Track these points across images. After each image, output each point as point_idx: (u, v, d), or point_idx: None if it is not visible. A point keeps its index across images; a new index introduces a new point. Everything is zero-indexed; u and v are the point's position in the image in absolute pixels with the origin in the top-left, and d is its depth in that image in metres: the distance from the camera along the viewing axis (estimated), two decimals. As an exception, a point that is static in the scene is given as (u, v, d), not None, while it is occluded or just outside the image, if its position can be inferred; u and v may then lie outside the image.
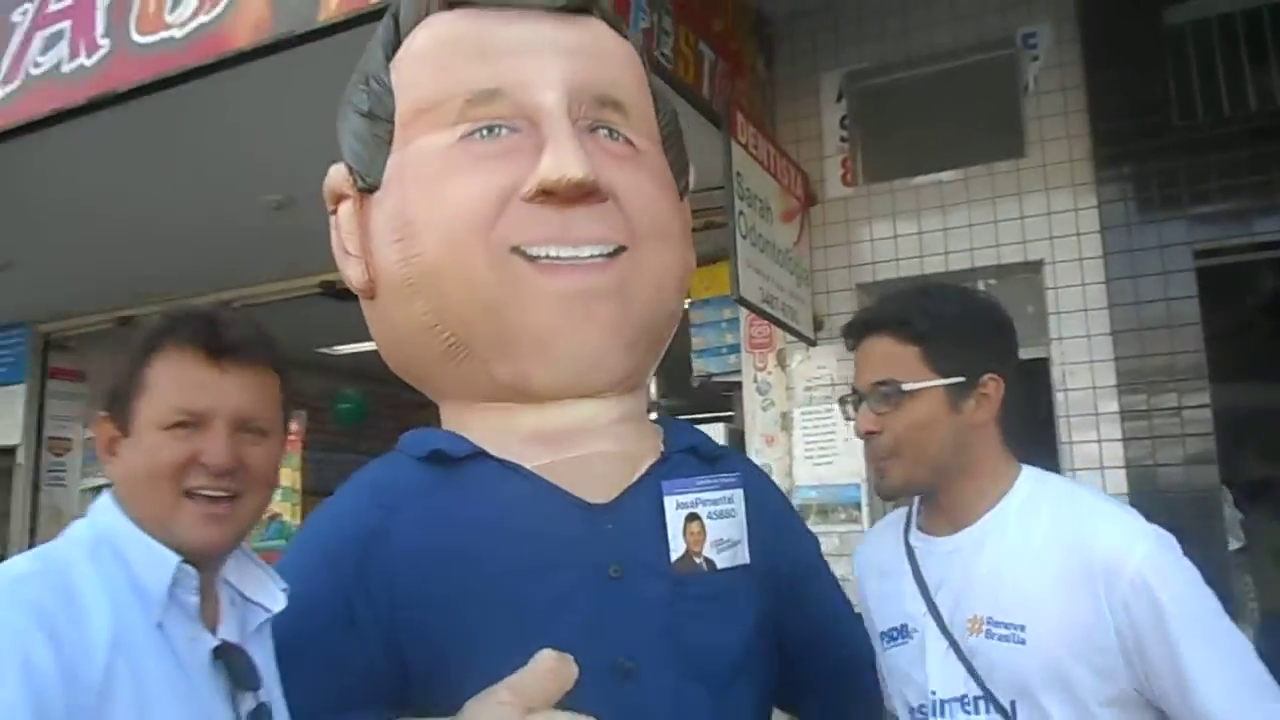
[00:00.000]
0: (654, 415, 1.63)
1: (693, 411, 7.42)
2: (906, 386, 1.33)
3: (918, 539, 1.38)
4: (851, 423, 1.40)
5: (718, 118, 3.67)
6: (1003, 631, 1.23)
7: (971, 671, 1.25)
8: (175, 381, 1.09)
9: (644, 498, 1.35)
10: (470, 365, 1.38)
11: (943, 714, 1.26)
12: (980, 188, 4.18)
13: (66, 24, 3.86)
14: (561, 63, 1.38)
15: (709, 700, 1.29)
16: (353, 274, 1.44)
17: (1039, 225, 4.05)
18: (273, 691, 1.15)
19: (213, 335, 1.12)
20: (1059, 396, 3.95)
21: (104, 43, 3.72)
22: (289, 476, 5.95)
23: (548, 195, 1.31)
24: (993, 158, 4.19)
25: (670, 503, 1.35)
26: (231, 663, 1.09)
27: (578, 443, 1.36)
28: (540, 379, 1.36)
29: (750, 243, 3.66)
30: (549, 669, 1.11)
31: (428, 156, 1.36)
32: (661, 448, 1.44)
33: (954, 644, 1.27)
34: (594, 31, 1.46)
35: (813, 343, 4.35)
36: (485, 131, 1.35)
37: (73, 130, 3.83)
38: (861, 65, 4.53)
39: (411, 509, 1.29)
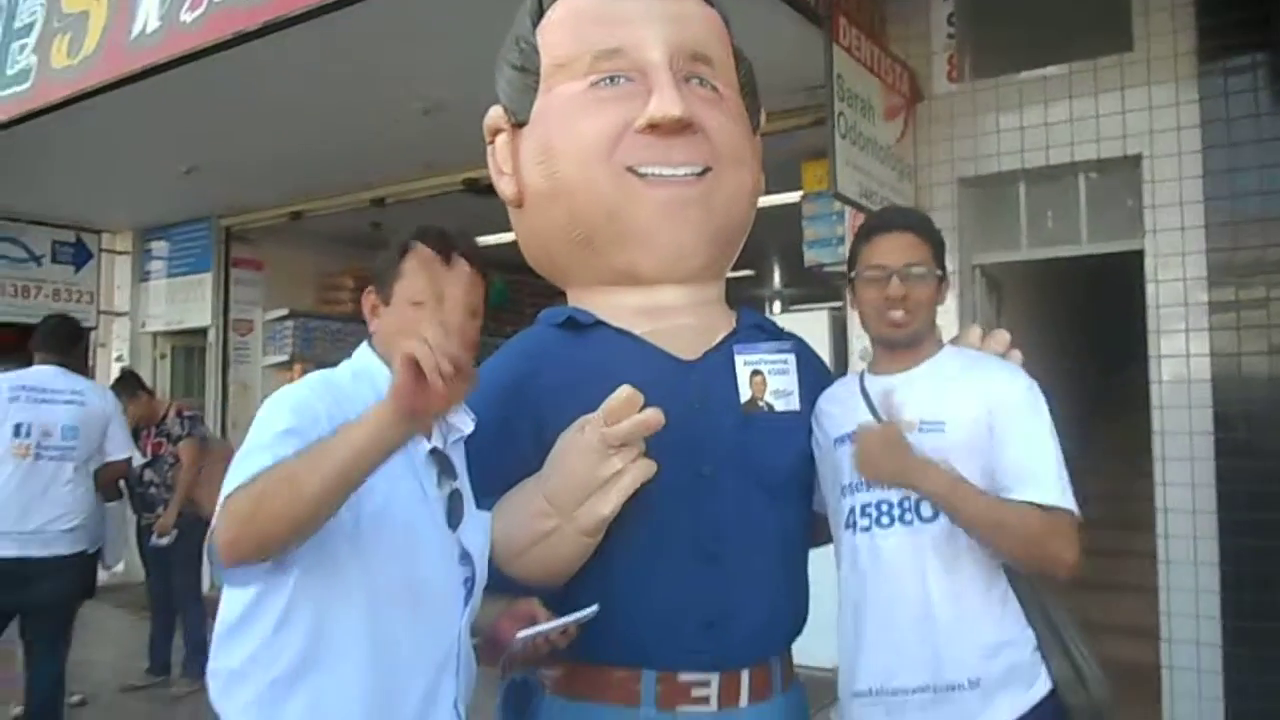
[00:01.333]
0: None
1: (808, 300, 7.70)
2: (934, 271, 1.78)
3: (870, 380, 1.83)
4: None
5: (822, 20, 3.89)
6: (930, 426, 1.70)
7: None
8: (421, 273, 1.55)
9: (721, 356, 1.77)
10: (594, 255, 1.80)
11: (880, 484, 1.70)
12: (1083, 83, 4.27)
13: (245, -46, 4.32)
14: (665, 28, 1.78)
15: (766, 500, 1.73)
16: (506, 188, 1.88)
17: (1140, 119, 4.14)
18: (464, 485, 1.60)
19: (445, 242, 1.58)
20: (1150, 288, 4.11)
21: (278, -29, 4.16)
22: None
23: (654, 128, 1.71)
24: (1098, 52, 4.26)
25: (739, 360, 1.77)
26: (439, 459, 1.55)
27: (672, 316, 1.79)
28: (645, 264, 1.78)
29: (850, 141, 3.92)
30: (624, 393, 1.53)
31: (565, 99, 1.78)
32: (734, 324, 1.86)
33: None
34: (690, 2, 1.87)
35: (914, 235, 4.57)
36: (608, 81, 1.76)
37: (250, 51, 4.30)
38: (971, -39, 4.60)
39: (551, 360, 1.74)
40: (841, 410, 1.81)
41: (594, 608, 1.56)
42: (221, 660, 1.45)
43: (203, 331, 8.11)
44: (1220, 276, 3.93)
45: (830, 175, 3.79)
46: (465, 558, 1.55)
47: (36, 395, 3.87)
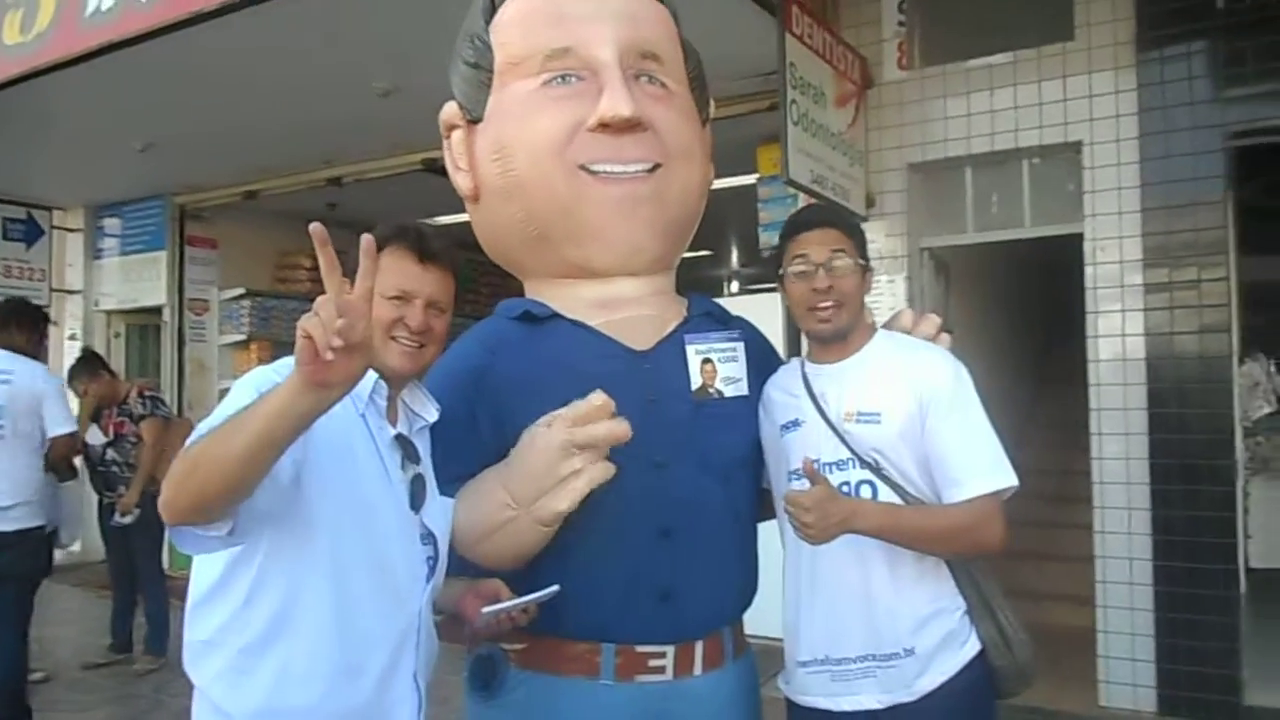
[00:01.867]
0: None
1: (762, 281, 7.81)
2: (857, 261, 1.85)
3: (810, 368, 1.90)
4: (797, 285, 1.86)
5: (775, 8, 3.96)
6: (866, 417, 1.79)
7: (845, 444, 1.80)
8: (395, 270, 1.57)
9: (672, 346, 1.84)
10: (549, 250, 1.85)
11: (824, 471, 1.77)
12: (1027, 71, 4.40)
13: (200, -67, 4.28)
14: (615, 26, 1.81)
15: (717, 485, 1.80)
16: (462, 183, 1.92)
17: (1080, 107, 4.27)
18: (427, 470, 1.67)
19: (422, 243, 1.61)
20: (1089, 270, 4.26)
21: (236, -48, 4.14)
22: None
23: (605, 126, 1.75)
24: (1042, 41, 4.38)
25: (690, 349, 1.83)
26: (403, 444, 1.62)
27: (625, 308, 1.84)
28: (599, 259, 1.83)
29: (802, 128, 4.00)
30: (598, 396, 1.59)
31: (518, 97, 1.81)
32: (685, 312, 1.91)
33: (833, 427, 1.81)
34: (639, 0, 1.89)
35: (864, 219, 4.69)
36: (560, 79, 1.80)
37: (206, 30, 4.29)
38: (921, -50, 4.69)
39: (509, 351, 1.80)
40: (786, 398, 1.89)
41: (555, 587, 1.63)
42: (194, 632, 1.52)
43: (158, 310, 8.03)
44: (1155, 258, 4.09)
45: (783, 162, 3.87)
46: (428, 537, 1.63)
47: None
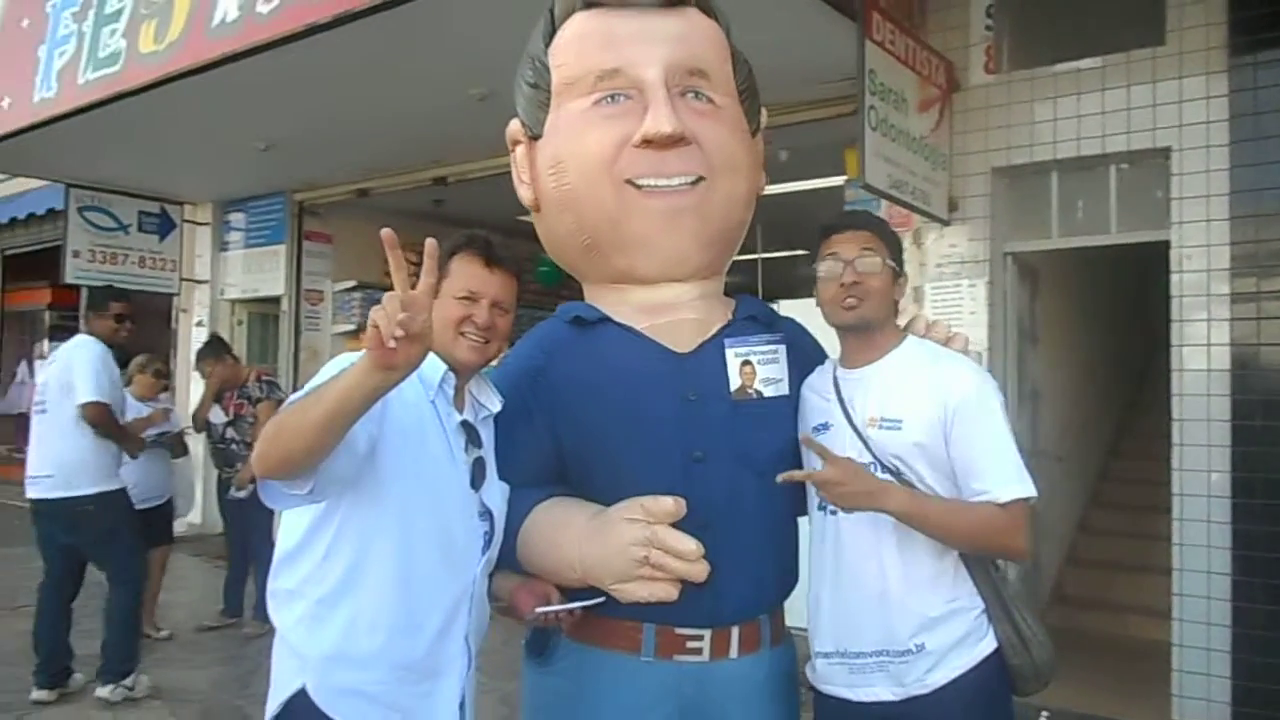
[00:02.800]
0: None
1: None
2: (886, 262, 1.92)
3: (840, 372, 1.96)
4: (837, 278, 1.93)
5: (856, 15, 4.00)
6: (889, 423, 1.85)
7: (869, 448, 1.86)
8: (465, 273, 1.77)
9: (714, 348, 1.93)
10: (599, 258, 1.98)
11: None
12: (1116, 75, 4.32)
13: (315, -50, 4.57)
14: (662, 47, 1.91)
15: (754, 478, 1.88)
16: (525, 195, 2.06)
17: (1170, 113, 4.17)
18: (489, 454, 1.85)
19: (489, 250, 1.79)
20: (1174, 278, 4.16)
21: (345, -32, 4.41)
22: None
23: (649, 143, 1.86)
24: (1131, 45, 4.29)
25: (729, 352, 1.93)
26: (468, 430, 1.80)
27: (669, 312, 1.95)
28: (644, 267, 1.95)
29: (880, 133, 4.04)
30: (673, 502, 1.74)
31: (572, 116, 1.94)
32: (730, 315, 2.00)
33: (858, 432, 1.87)
34: (688, 19, 1.98)
35: (946, 223, 4.69)
36: (610, 99, 1.91)
37: (321, 41, 4.56)
38: (1010, -46, 4.65)
39: (563, 353, 1.93)
40: (818, 400, 1.97)
41: (601, 599, 1.78)
42: (278, 581, 1.72)
43: (276, 300, 8.50)
44: (1242, 268, 3.97)
45: (860, 167, 3.92)
46: (485, 514, 1.80)
47: (44, 362, 4.55)
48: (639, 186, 1.89)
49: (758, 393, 1.94)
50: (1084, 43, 4.45)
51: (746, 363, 1.94)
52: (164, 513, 5.57)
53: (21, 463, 11.58)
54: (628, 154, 1.89)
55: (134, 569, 4.55)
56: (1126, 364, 7.22)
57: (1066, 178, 4.63)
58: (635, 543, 1.73)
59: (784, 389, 1.97)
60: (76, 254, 8.00)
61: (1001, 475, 1.79)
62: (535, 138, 2.01)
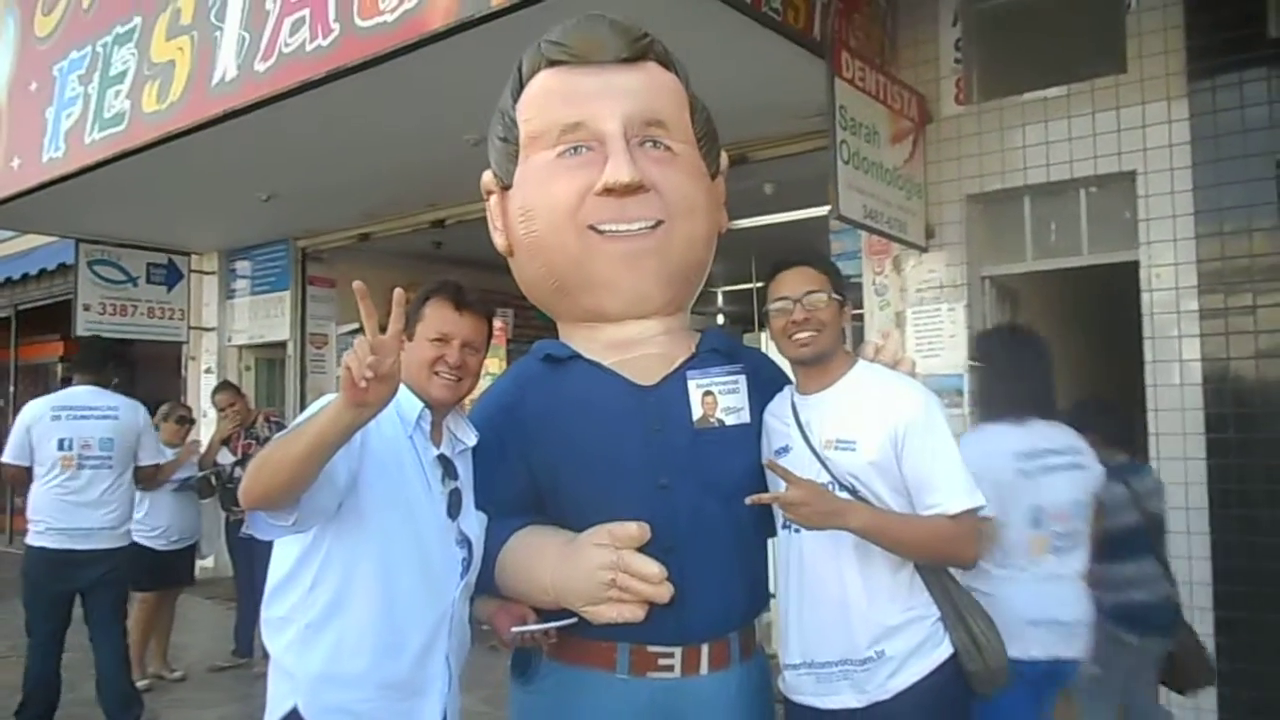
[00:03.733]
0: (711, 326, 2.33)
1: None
2: (831, 296, 2.02)
3: (797, 398, 2.06)
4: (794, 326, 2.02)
5: (826, 54, 4.14)
6: (844, 444, 1.95)
7: (827, 468, 1.96)
8: (437, 317, 1.89)
9: (677, 381, 2.03)
10: (567, 298, 2.10)
11: None
12: (1081, 103, 4.45)
13: (306, 10, 4.76)
14: (621, 101, 2.03)
15: (719, 505, 1.97)
16: (499, 241, 2.19)
17: (1134, 138, 4.30)
18: (465, 486, 1.96)
19: (458, 295, 1.91)
20: (1145, 296, 4.26)
21: (335, 26, 4.57)
22: (495, 365, 7.01)
23: (609, 191, 1.98)
24: (1095, 74, 4.42)
25: (691, 384, 2.03)
26: (445, 463, 1.92)
27: (636, 348, 2.06)
28: (610, 306, 2.06)
29: (853, 166, 4.17)
30: (637, 527, 1.83)
31: (538, 167, 2.06)
32: (694, 349, 2.10)
33: (816, 454, 1.97)
34: (647, 73, 2.09)
35: (924, 249, 4.82)
36: (573, 150, 2.03)
37: (317, 95, 4.76)
38: (975, -10, 4.81)
39: (535, 389, 2.05)
40: (779, 425, 2.07)
41: (574, 619, 1.87)
42: (271, 610, 1.84)
43: (282, 345, 8.64)
44: (1210, 285, 4.07)
45: (832, 199, 4.05)
46: (463, 541, 1.91)
47: (76, 413, 4.40)
48: (601, 232, 2.00)
49: (719, 421, 2.03)
50: (1050, 72, 4.58)
51: (708, 393, 2.03)
52: (189, 554, 5.73)
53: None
54: (590, 202, 2.00)
55: (123, 613, 4.69)
56: (1114, 381, 7.27)
57: (1038, 202, 4.75)
58: (602, 566, 1.82)
59: (745, 417, 2.06)
60: (87, 307, 8.16)
61: (950, 489, 1.89)
62: (506, 188, 2.14)
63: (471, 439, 1.99)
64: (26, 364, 11.98)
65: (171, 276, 8.79)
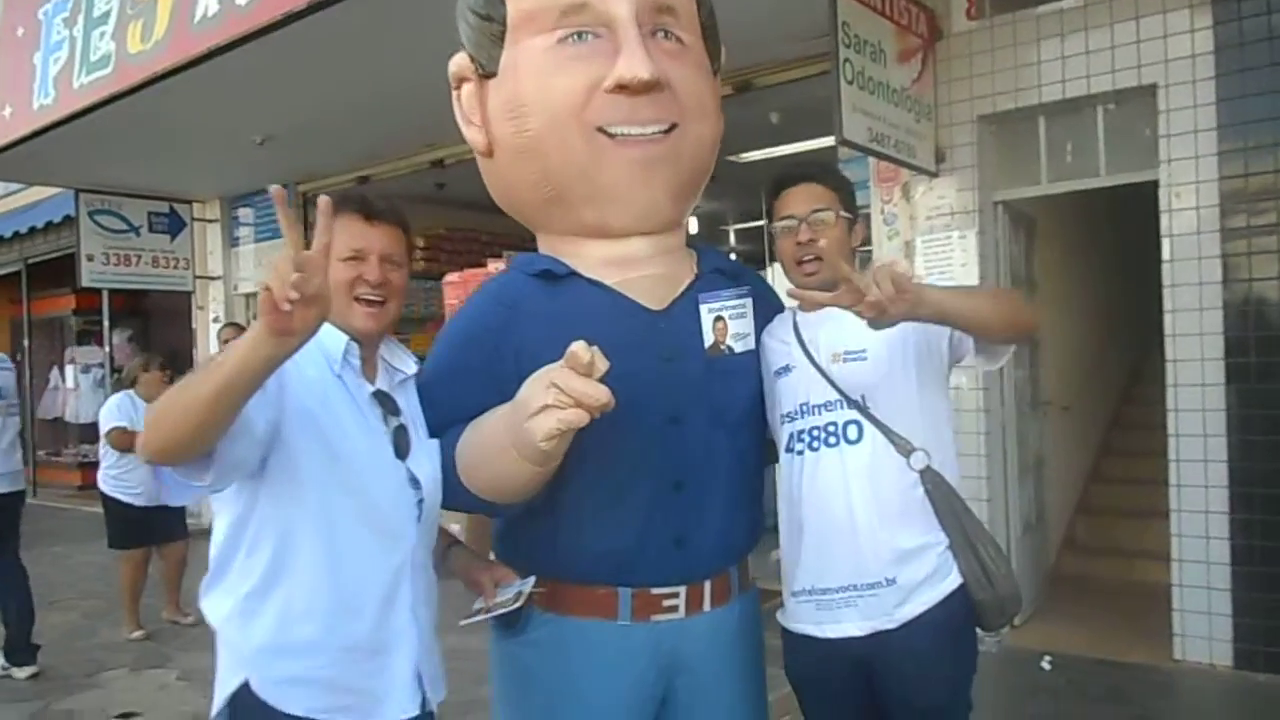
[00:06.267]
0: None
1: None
2: (841, 214, 1.87)
3: (800, 318, 1.91)
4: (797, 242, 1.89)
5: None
6: (853, 355, 1.83)
7: (833, 385, 1.83)
8: (346, 232, 1.63)
9: (687, 304, 1.82)
10: (566, 210, 1.81)
11: (813, 413, 1.84)
12: (1099, 13, 4.17)
13: (289, -62, 4.54)
14: None
15: (727, 438, 1.81)
16: (475, 138, 1.87)
17: (1154, 49, 4.03)
18: (412, 419, 1.73)
19: (366, 205, 1.68)
20: (1164, 218, 4.04)
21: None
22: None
23: (622, 88, 1.70)
24: (1114, -18, 4.18)
25: (704, 309, 1.82)
26: (383, 399, 1.70)
27: (639, 266, 1.81)
28: (616, 220, 1.80)
29: (857, 86, 3.95)
30: (583, 348, 1.47)
31: (534, 54, 1.75)
32: (696, 269, 1.88)
33: (821, 371, 1.83)
34: None
35: (934, 174, 4.61)
36: (576, 37, 1.73)
37: (304, 28, 4.48)
38: (989, -102, 4.48)
39: (530, 311, 1.78)
40: (779, 345, 1.92)
41: (531, 579, 1.72)
42: (210, 579, 1.65)
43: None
44: (1232, 204, 3.85)
45: (836, 123, 3.85)
46: (415, 482, 1.70)
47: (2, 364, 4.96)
48: (611, 135, 1.73)
49: (729, 349, 1.85)
50: (1065, -18, 4.34)
51: (720, 319, 1.85)
52: (177, 510, 5.60)
53: (61, 466, 11.71)
54: (599, 99, 1.72)
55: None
56: (1139, 308, 7.09)
57: (1053, 122, 4.49)
58: (541, 377, 1.54)
59: (751, 343, 1.89)
60: (90, 258, 8.00)
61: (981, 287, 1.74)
62: (487, 75, 1.83)
63: (411, 366, 1.78)
64: (39, 318, 11.94)
65: (174, 225, 8.62)
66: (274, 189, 1.35)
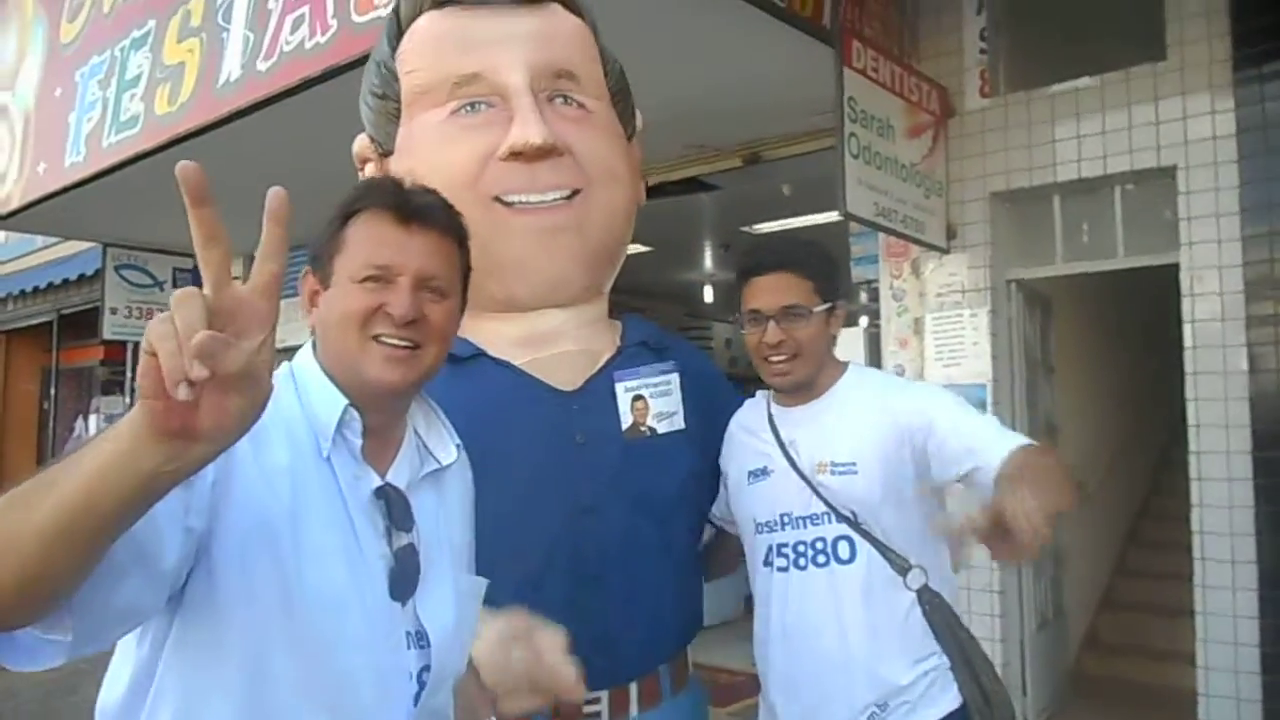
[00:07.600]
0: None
1: (854, 315, 7.61)
2: (813, 309, 1.70)
3: (777, 410, 1.75)
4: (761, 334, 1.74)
5: (833, 43, 3.84)
6: (842, 468, 1.67)
7: (820, 496, 1.66)
8: (368, 239, 1.12)
9: (603, 383, 1.71)
10: (471, 285, 1.72)
11: (795, 526, 1.67)
12: (1116, 94, 4.05)
13: (306, 8, 4.61)
14: (525, 49, 1.70)
15: (652, 526, 1.67)
16: None
17: (1174, 130, 3.89)
18: (430, 538, 1.16)
19: (402, 199, 1.15)
20: (1186, 302, 3.86)
21: (333, 23, 4.43)
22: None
23: (517, 155, 1.65)
24: (1131, 62, 4.01)
25: (620, 388, 1.71)
26: (390, 503, 1.12)
27: (551, 344, 1.73)
28: (523, 293, 1.73)
29: (863, 161, 3.85)
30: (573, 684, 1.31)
31: (427, 129, 1.72)
32: (619, 342, 1.78)
33: (805, 479, 1.67)
34: (551, 16, 1.76)
35: (945, 251, 4.47)
36: (469, 107, 1.70)
37: (320, 93, 4.54)
38: (1002, -25, 4.45)
39: (431, 395, 1.63)
40: (753, 441, 1.76)
41: None
42: None
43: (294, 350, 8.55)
44: (1258, 290, 3.67)
45: (839, 196, 3.74)
46: (420, 639, 1.13)
47: None
48: (509, 204, 1.68)
49: (650, 429, 1.72)
50: (1081, 62, 4.17)
51: (639, 397, 1.72)
52: None
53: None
54: (494, 168, 1.67)
55: None
56: (1169, 392, 6.84)
57: (1069, 201, 4.35)
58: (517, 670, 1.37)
59: (678, 423, 1.75)
60: (114, 310, 8.10)
61: (999, 437, 1.56)
62: (386, 154, 1.80)
63: (450, 451, 1.24)
64: (68, 368, 12.10)
65: (198, 281, 8.58)
66: (180, 166, 0.88)
